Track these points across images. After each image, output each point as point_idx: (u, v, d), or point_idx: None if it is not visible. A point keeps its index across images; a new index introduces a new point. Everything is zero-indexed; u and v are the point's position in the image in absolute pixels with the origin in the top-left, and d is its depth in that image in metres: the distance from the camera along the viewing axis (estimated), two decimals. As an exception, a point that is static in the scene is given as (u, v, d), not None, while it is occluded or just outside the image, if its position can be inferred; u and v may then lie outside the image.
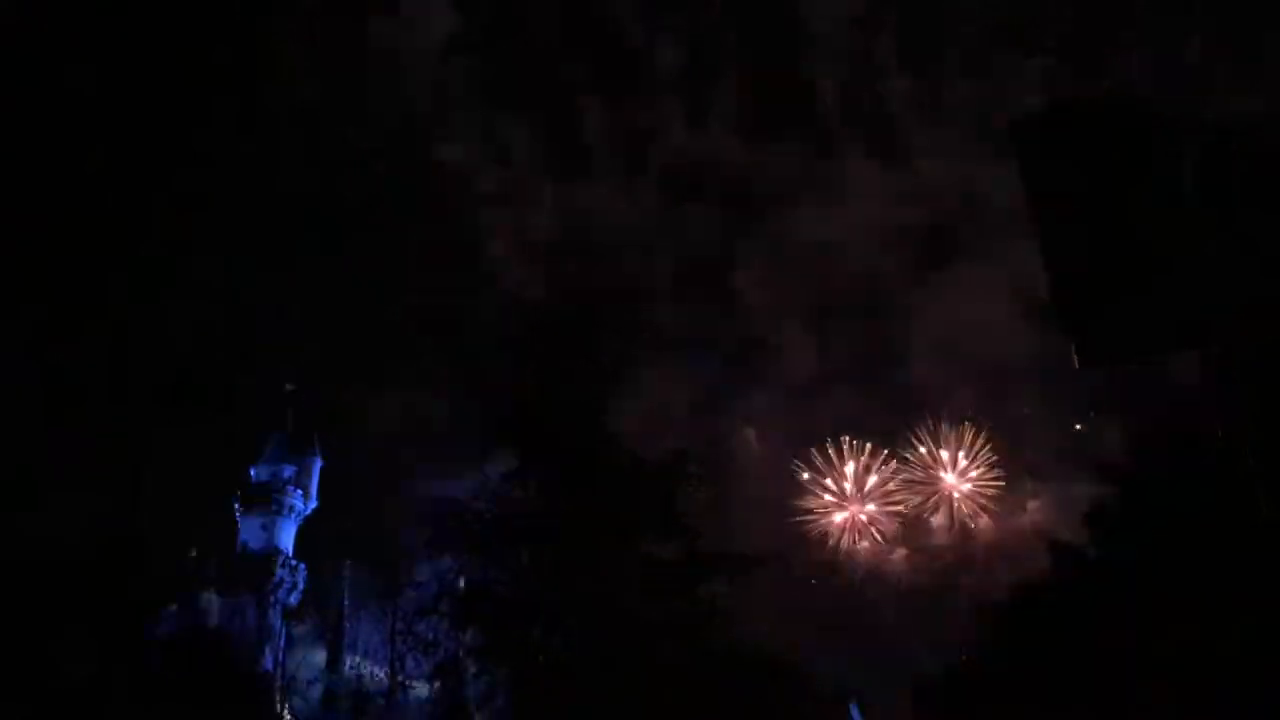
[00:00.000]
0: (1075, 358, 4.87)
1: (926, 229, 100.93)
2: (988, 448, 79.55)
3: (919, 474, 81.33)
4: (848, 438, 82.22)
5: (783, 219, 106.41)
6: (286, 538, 76.89)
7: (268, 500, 76.72)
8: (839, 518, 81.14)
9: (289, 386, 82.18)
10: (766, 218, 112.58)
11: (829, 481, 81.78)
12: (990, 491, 79.70)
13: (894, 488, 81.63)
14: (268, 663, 41.24)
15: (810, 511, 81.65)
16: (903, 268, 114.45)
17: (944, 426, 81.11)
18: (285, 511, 77.36)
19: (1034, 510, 78.31)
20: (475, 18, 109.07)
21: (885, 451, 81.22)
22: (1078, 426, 77.07)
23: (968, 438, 79.88)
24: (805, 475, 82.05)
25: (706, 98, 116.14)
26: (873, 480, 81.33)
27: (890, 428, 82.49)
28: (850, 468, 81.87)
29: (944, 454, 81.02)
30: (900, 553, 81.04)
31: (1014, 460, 79.05)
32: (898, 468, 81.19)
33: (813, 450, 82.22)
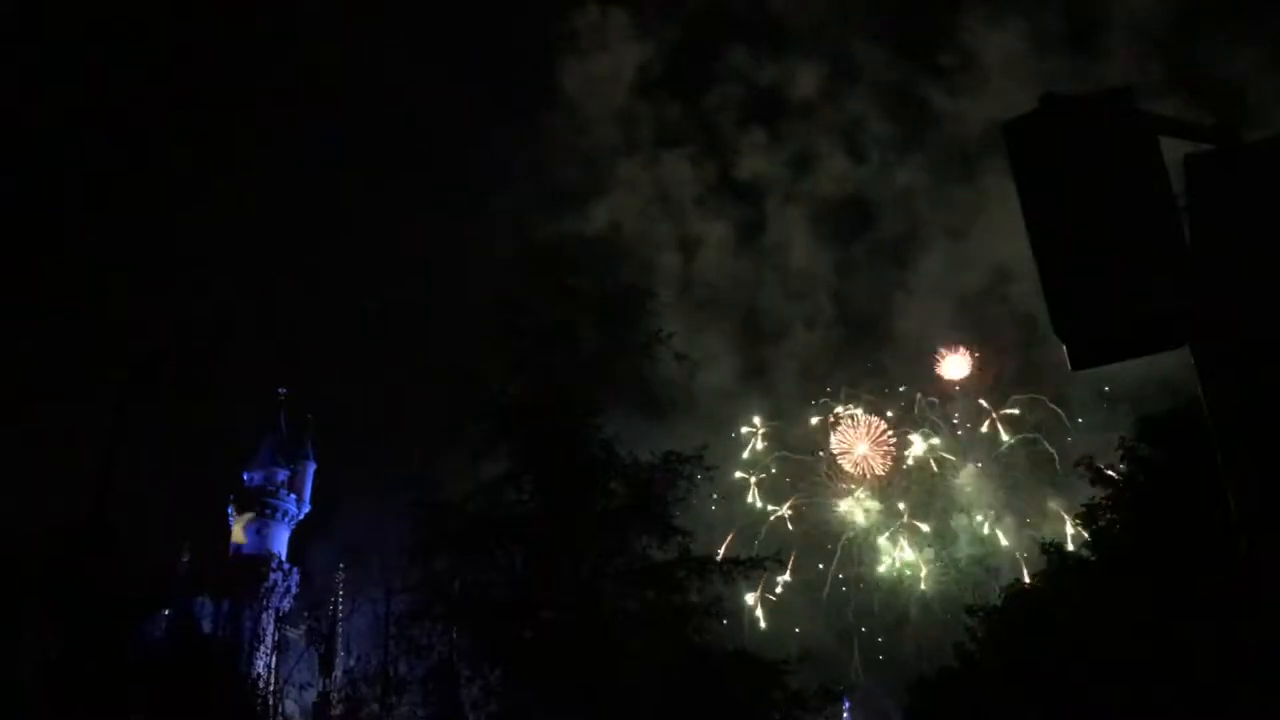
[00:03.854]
0: (1068, 360, 4.82)
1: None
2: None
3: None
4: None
5: (937, 254, 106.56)
6: (280, 541, 76.70)
7: (261, 504, 76.51)
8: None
9: (282, 391, 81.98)
10: (921, 253, 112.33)
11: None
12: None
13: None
14: (260, 667, 41.13)
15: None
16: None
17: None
18: (278, 515, 77.18)
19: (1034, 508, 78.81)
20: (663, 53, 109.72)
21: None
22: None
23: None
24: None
25: (858, 131, 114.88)
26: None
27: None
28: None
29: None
30: (902, 552, 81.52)
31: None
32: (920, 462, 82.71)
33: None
